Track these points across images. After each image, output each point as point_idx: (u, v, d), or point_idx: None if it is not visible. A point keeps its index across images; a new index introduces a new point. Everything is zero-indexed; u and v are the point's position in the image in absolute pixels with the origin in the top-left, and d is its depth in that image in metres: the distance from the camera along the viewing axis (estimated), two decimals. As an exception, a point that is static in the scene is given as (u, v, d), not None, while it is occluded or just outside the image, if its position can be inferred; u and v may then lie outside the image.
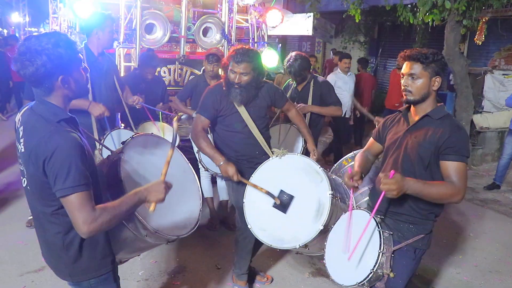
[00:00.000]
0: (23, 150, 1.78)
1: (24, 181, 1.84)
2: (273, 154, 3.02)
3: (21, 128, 1.82)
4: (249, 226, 2.85)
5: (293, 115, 3.57)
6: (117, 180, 2.08)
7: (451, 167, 2.18)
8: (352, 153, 3.43)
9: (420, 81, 2.25)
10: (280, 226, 2.77)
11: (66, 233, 1.84)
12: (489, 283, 3.85)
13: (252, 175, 2.96)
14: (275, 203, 2.80)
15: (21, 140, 1.79)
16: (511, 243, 4.64)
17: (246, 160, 3.22)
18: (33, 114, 1.80)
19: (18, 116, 1.88)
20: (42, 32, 1.78)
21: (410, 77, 2.27)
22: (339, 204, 2.69)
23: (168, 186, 1.93)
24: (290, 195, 2.79)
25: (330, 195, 2.59)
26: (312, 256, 4.01)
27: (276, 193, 2.82)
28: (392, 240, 2.31)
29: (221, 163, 3.00)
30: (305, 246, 2.65)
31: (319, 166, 2.76)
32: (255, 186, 2.88)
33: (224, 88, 3.15)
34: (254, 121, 3.18)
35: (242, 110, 3.14)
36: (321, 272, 3.81)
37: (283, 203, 2.80)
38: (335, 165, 3.52)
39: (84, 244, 1.89)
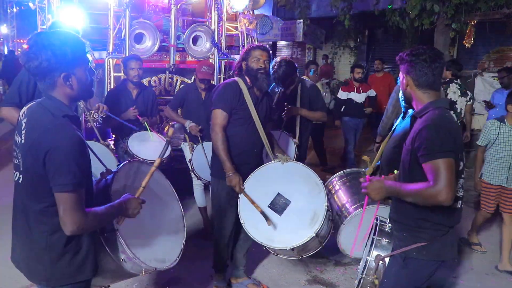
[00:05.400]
0: (23, 141, 1.78)
1: (17, 174, 1.82)
2: (276, 158, 3.13)
3: (25, 120, 1.82)
4: (241, 221, 2.96)
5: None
6: (105, 195, 2.03)
7: (425, 169, 2.02)
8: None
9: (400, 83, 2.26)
10: (272, 227, 2.91)
11: (51, 234, 1.80)
12: (486, 286, 3.84)
13: (254, 172, 3.06)
14: (271, 203, 2.94)
15: (23, 132, 1.79)
16: (506, 245, 4.62)
17: (243, 157, 3.21)
18: (40, 108, 1.81)
19: (24, 109, 1.88)
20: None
21: None
22: (329, 216, 2.90)
23: (141, 202, 2.02)
24: (287, 199, 2.94)
25: (326, 207, 2.77)
26: (308, 264, 3.98)
27: (273, 195, 2.96)
28: (389, 248, 2.33)
29: (230, 174, 3.03)
30: (292, 250, 2.80)
31: (319, 178, 2.93)
32: (253, 203, 2.94)
33: (239, 85, 3.16)
34: (261, 122, 3.21)
35: (252, 109, 3.16)
36: (317, 279, 3.78)
37: (279, 206, 2.95)
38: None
39: (67, 248, 1.83)
